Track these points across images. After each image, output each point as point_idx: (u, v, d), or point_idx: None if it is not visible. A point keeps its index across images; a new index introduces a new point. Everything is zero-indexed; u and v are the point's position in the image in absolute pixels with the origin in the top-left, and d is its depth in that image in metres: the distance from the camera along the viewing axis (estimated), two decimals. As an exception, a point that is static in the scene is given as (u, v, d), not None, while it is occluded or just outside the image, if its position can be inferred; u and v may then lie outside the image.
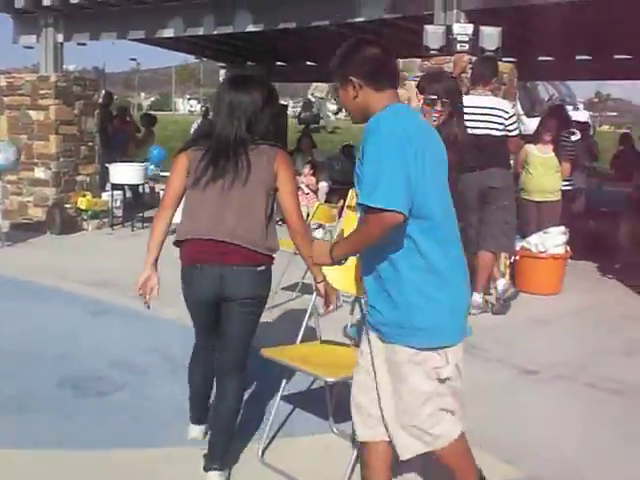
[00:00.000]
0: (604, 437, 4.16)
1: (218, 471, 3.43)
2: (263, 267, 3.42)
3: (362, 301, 3.60)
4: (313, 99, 34.84)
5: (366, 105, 2.80)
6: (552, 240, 7.36)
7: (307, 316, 3.99)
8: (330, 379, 3.44)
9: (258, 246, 3.38)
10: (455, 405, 2.96)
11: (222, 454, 3.48)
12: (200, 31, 9.99)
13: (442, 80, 4.68)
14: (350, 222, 4.03)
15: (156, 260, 3.62)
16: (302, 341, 3.96)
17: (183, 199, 3.55)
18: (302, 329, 3.94)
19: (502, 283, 6.77)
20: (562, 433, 4.19)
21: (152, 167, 12.65)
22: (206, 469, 3.45)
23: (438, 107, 4.30)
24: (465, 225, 6.69)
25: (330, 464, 3.63)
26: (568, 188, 8.36)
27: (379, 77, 2.79)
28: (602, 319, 6.62)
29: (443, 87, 4.75)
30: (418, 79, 5.82)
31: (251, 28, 9.47)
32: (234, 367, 3.51)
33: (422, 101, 4.49)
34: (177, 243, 3.53)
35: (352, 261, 3.69)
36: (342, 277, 3.62)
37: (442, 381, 2.84)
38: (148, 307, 3.70)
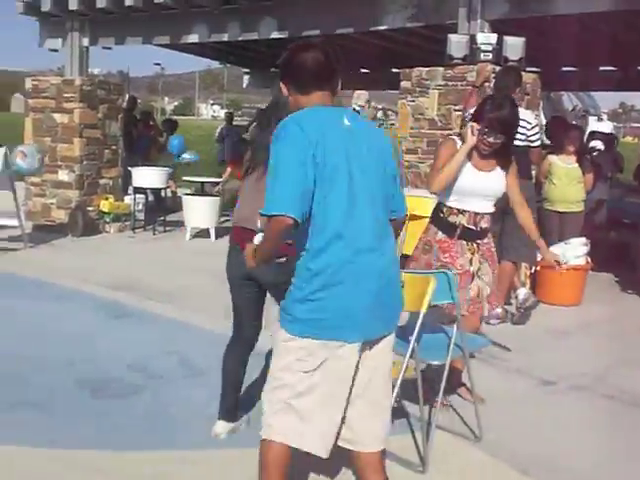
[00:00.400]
0: (621, 450, 4.13)
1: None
2: (283, 259, 3.49)
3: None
4: (357, 108, 34.77)
5: (296, 104, 2.95)
6: (573, 251, 7.32)
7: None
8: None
9: None
10: (313, 415, 2.84)
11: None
12: (225, 37, 10.04)
13: (502, 109, 4.28)
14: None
15: None
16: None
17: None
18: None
19: (523, 292, 6.74)
20: (579, 445, 4.16)
21: (186, 156, 12.84)
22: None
23: (491, 139, 4.25)
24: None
25: (344, 471, 3.62)
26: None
27: (301, 81, 2.91)
28: (622, 331, 6.57)
29: (501, 118, 4.30)
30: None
31: (276, 35, 9.51)
32: None
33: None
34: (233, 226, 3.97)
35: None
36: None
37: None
38: None
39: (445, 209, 4.49)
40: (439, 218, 4.54)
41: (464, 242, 4.47)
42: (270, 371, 2.93)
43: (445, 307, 4.17)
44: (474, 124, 4.29)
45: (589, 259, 7.48)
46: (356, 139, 2.85)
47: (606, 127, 19.35)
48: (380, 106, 12.09)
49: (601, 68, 14.17)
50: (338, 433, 2.93)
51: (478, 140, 4.26)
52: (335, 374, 2.81)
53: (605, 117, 22.23)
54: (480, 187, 4.39)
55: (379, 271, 2.80)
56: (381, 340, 2.92)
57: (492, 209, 4.50)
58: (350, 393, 2.88)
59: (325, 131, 2.76)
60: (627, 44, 11.36)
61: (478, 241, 4.50)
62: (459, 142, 4.40)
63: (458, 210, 4.44)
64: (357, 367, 2.86)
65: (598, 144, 11.14)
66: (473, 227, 4.45)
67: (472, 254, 4.48)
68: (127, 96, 12.21)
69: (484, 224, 4.48)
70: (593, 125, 18.70)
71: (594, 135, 13.62)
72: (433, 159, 4.67)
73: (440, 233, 4.51)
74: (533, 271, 7.44)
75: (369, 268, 2.77)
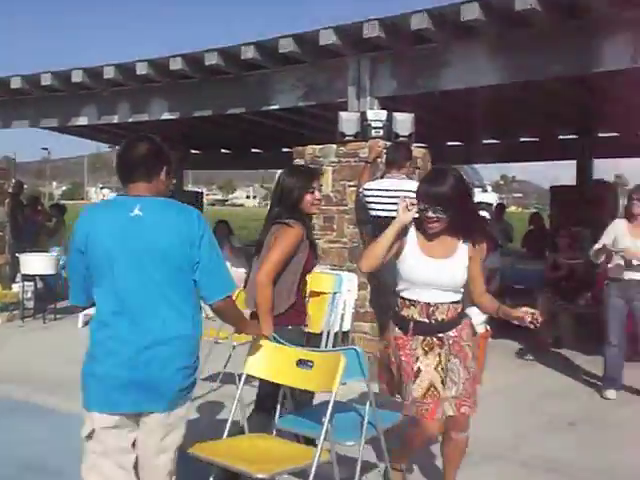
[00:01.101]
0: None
1: None
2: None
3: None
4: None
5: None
6: (472, 320, 7.39)
7: (233, 409, 3.84)
8: (262, 475, 3.26)
9: None
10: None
11: None
12: (115, 119, 9.93)
13: (435, 180, 3.92)
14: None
15: None
16: (229, 435, 3.80)
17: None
18: (229, 423, 3.78)
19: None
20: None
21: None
22: None
23: (430, 214, 3.78)
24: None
25: None
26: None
27: (119, 174, 3.24)
28: (526, 397, 6.64)
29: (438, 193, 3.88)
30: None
31: (167, 116, 9.47)
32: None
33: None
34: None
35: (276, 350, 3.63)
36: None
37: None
38: None
39: (399, 301, 4.02)
40: (395, 312, 4.06)
41: (419, 337, 3.94)
42: None
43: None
44: (407, 199, 3.88)
45: (488, 327, 7.59)
46: (138, 230, 3.05)
47: (491, 198, 20.12)
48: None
49: (484, 141, 14.77)
50: None
51: (423, 219, 3.85)
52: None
53: (489, 188, 23.15)
54: (432, 277, 3.87)
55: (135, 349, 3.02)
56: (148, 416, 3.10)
57: (453, 298, 3.96)
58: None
59: (100, 222, 3.10)
60: (509, 117, 11.91)
61: (440, 335, 3.95)
62: (412, 228, 3.95)
63: (410, 302, 3.95)
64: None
65: (486, 215, 11.48)
66: (426, 320, 3.92)
67: (428, 350, 3.93)
68: (13, 181, 11.83)
69: (441, 315, 3.92)
70: (479, 197, 19.40)
71: (480, 206, 14.11)
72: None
73: (397, 329, 4.01)
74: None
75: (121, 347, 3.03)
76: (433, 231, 3.87)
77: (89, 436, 3.08)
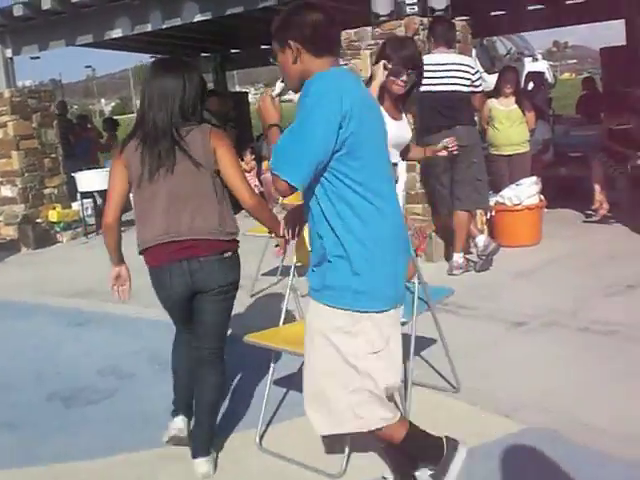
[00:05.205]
0: (601, 380, 4.14)
1: (204, 457, 3.47)
2: (229, 253, 3.38)
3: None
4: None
5: (304, 70, 2.70)
6: (525, 191, 7.35)
7: (287, 297, 3.94)
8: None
9: (218, 234, 3.34)
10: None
11: (207, 443, 3.51)
12: (148, 27, 9.82)
13: (405, 47, 4.21)
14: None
15: (121, 257, 3.61)
16: (285, 323, 3.92)
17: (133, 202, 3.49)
18: (283, 311, 3.89)
19: (482, 239, 6.75)
20: (558, 381, 4.17)
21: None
22: (193, 456, 3.48)
23: (404, 77, 4.08)
24: (437, 185, 6.70)
25: (328, 443, 3.59)
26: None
27: (318, 42, 2.70)
28: (584, 264, 6.61)
29: (408, 55, 4.21)
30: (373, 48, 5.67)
31: (199, 18, 9.32)
32: (213, 357, 3.49)
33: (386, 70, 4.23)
34: (141, 252, 3.49)
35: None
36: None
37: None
38: (123, 301, 3.71)
39: None
40: None
41: None
42: (325, 359, 2.75)
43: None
44: (385, 61, 4.05)
45: (542, 197, 7.52)
46: (372, 104, 2.80)
47: (542, 66, 19.51)
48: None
49: (530, 7, 14.19)
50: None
51: (390, 82, 4.05)
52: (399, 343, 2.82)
53: (540, 57, 22.37)
54: (399, 136, 4.12)
55: (405, 237, 2.86)
56: None
57: (397, 159, 4.22)
58: None
59: (357, 93, 2.65)
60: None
61: None
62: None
63: None
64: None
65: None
66: None
67: None
68: (56, 102, 11.94)
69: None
70: (529, 66, 18.82)
71: (530, 76, 13.73)
72: None
73: None
74: (489, 217, 7.47)
75: (403, 237, 2.83)
76: (399, 93, 4.11)
77: None
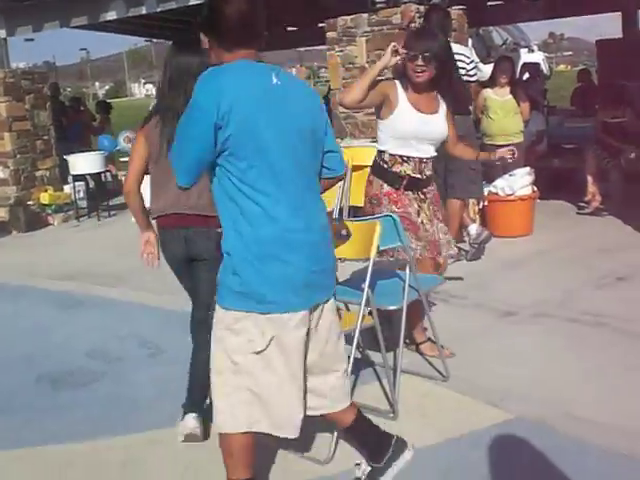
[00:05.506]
0: (591, 370, 4.16)
1: (194, 413, 3.60)
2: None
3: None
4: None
5: (220, 63, 2.63)
6: (518, 182, 7.35)
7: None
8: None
9: None
10: (276, 397, 2.75)
11: (199, 401, 3.64)
12: (143, 10, 9.77)
13: (424, 37, 4.23)
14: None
15: (148, 223, 3.76)
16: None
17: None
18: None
19: (474, 228, 6.74)
20: (548, 371, 4.18)
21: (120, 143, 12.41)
22: (185, 412, 3.62)
23: (419, 62, 4.05)
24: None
25: (317, 427, 3.57)
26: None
27: (227, 36, 2.62)
28: (575, 256, 6.61)
29: (425, 43, 4.16)
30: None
31: (194, 1, 9.27)
32: (204, 321, 3.53)
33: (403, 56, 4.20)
34: (154, 218, 3.71)
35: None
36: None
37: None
38: (153, 267, 3.79)
39: (388, 158, 4.22)
40: (382, 169, 4.26)
41: (410, 193, 4.23)
42: (214, 357, 2.77)
43: (399, 252, 4.10)
44: (396, 44, 4.09)
45: (535, 188, 7.52)
46: (283, 99, 2.61)
47: (538, 57, 19.49)
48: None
49: (526, -2, 14.17)
50: (304, 405, 2.82)
51: (409, 70, 4.06)
52: (288, 348, 2.69)
53: (536, 48, 22.35)
54: (424, 130, 4.13)
55: (310, 241, 2.68)
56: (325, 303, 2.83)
57: (434, 154, 4.27)
58: (305, 363, 2.77)
59: (245, 91, 2.54)
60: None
61: (424, 190, 4.29)
62: (399, 86, 4.17)
63: (402, 158, 4.18)
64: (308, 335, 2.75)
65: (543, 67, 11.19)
66: (419, 176, 4.21)
67: (419, 204, 4.26)
68: (48, 84, 11.85)
69: (428, 171, 4.26)
70: (525, 57, 18.80)
71: (526, 67, 13.71)
72: None
73: (385, 185, 4.24)
74: (481, 206, 7.47)
75: (300, 240, 2.64)
76: (419, 81, 4.08)
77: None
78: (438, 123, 4.20)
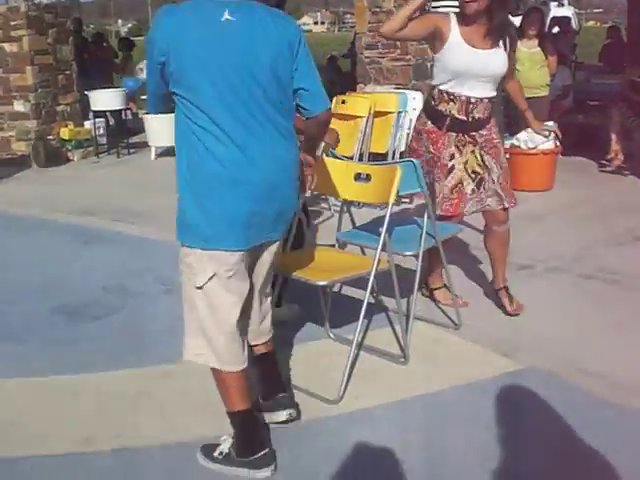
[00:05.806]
0: (602, 326, 4.16)
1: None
2: None
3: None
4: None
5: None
6: (541, 135, 7.25)
7: (295, 224, 3.93)
8: (321, 282, 3.40)
9: None
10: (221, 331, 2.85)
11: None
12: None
13: None
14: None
15: None
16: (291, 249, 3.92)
17: None
18: (291, 237, 3.87)
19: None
20: (560, 325, 4.18)
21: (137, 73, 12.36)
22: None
23: None
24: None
25: (328, 368, 3.63)
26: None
27: None
28: (595, 212, 6.57)
29: None
30: None
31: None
32: None
33: None
34: None
35: (335, 165, 3.65)
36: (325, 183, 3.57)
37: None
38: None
39: (437, 94, 4.04)
40: (430, 105, 4.10)
41: (452, 134, 4.03)
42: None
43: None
44: None
45: (558, 143, 7.43)
46: (232, 34, 2.58)
47: (568, 12, 19.08)
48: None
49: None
50: (245, 340, 2.94)
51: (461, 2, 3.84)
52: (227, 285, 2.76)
53: (566, 2, 21.87)
54: (477, 67, 3.89)
55: (253, 180, 2.66)
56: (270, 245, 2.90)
57: (490, 94, 4.01)
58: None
59: (186, 28, 2.57)
60: None
61: (472, 133, 4.04)
62: (453, 19, 3.94)
63: (449, 96, 3.97)
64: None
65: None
66: (464, 117, 3.99)
67: (461, 147, 4.04)
68: (71, 18, 11.73)
69: (478, 114, 3.99)
70: (555, 11, 18.41)
71: (556, 21, 13.44)
72: None
73: (429, 123, 4.09)
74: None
75: (241, 179, 2.65)
76: (469, 12, 3.86)
77: None
78: (494, 60, 3.94)
